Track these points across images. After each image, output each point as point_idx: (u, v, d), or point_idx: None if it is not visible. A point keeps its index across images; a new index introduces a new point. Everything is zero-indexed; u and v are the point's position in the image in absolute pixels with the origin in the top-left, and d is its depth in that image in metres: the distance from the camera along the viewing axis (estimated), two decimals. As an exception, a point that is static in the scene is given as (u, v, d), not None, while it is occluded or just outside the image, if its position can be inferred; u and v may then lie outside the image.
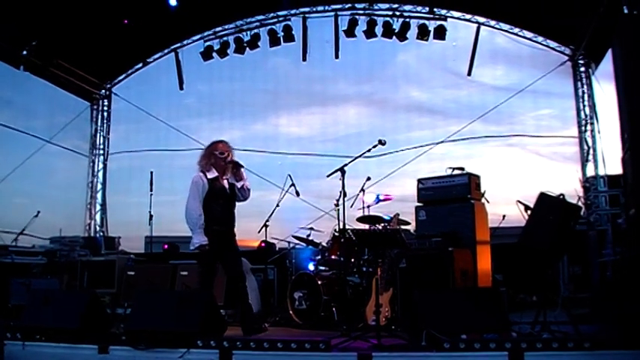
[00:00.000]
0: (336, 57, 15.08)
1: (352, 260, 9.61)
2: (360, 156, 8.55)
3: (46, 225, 12.61)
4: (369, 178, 9.99)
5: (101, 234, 16.41)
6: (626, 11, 10.38)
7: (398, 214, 9.40)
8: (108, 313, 8.53)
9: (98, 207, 16.92)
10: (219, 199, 7.84)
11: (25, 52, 13.56)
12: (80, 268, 11.93)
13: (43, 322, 7.28)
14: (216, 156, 7.89)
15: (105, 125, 17.25)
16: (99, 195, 17.01)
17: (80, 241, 13.31)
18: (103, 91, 17.09)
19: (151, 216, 11.90)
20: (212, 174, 7.88)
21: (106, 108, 17.25)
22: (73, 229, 14.65)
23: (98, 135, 17.16)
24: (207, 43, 15.46)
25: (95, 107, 17.11)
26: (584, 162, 14.34)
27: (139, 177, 14.86)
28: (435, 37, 14.27)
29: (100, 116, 17.18)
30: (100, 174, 17.11)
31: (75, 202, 16.51)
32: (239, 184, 7.94)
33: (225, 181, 7.91)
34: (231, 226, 7.98)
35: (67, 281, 11.89)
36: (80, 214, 16.57)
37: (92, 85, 16.51)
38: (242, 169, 7.89)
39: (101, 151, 17.16)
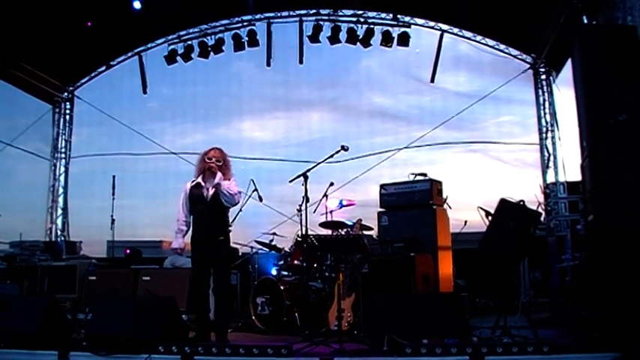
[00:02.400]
0: (300, 62, 15.08)
1: (315, 265, 9.65)
2: (322, 161, 8.60)
3: (6, 229, 12.46)
4: (332, 184, 10.03)
5: (62, 238, 16.20)
6: (585, 21, 10.58)
7: (360, 220, 9.46)
8: (68, 318, 8.46)
9: (60, 211, 16.71)
10: (198, 206, 7.79)
11: (-15, 54, 13.39)
12: (41, 272, 11.78)
13: (2, 328, 7.19)
14: (205, 161, 7.86)
15: (67, 128, 17.04)
16: (60, 199, 16.80)
17: (41, 246, 13.12)
18: (66, 93, 16.87)
19: (113, 220, 11.81)
20: (196, 180, 7.87)
21: (68, 111, 17.04)
22: (33, 233, 14.52)
23: (60, 138, 16.95)
24: (172, 47, 15.36)
25: (57, 110, 16.90)
26: (544, 168, 14.51)
27: (101, 181, 14.63)
28: (398, 44, 14.35)
29: (62, 119, 16.96)
30: (62, 177, 16.89)
31: (36, 206, 16.30)
32: (222, 187, 7.79)
33: (210, 188, 7.80)
34: (213, 233, 7.72)
35: (28, 286, 11.72)
36: (41, 218, 16.36)
37: (54, 87, 16.33)
38: (217, 174, 7.73)
39: (63, 155, 16.94)
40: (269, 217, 13.16)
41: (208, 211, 7.71)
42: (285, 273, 9.91)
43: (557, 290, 10.31)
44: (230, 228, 8.09)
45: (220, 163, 7.81)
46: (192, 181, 7.89)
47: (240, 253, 11.75)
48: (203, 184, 7.76)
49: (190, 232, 7.87)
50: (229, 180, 7.82)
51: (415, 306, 7.10)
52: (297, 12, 15.02)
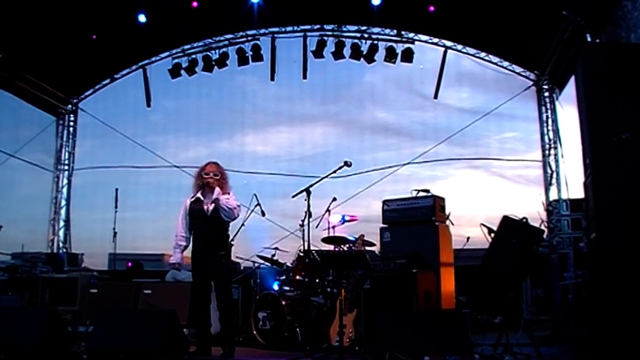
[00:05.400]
0: (304, 77, 15.11)
1: (316, 281, 9.61)
2: (325, 177, 8.60)
3: (8, 240, 12.45)
4: (334, 199, 10.01)
5: (64, 250, 16.20)
6: (589, 39, 10.61)
7: (363, 235, 9.45)
8: (69, 330, 8.44)
9: (62, 223, 16.72)
10: (198, 220, 7.82)
11: (-10, 65, 13.42)
12: (42, 284, 11.76)
13: (2, 340, 7.17)
14: (202, 177, 7.90)
15: (70, 140, 17.09)
16: (63, 211, 16.81)
17: (42, 258, 13.12)
18: (70, 106, 16.93)
19: (115, 233, 11.81)
20: (195, 195, 7.89)
21: (72, 123, 17.09)
22: (35, 244, 14.54)
23: (63, 150, 16.98)
24: (176, 61, 15.40)
25: (61, 122, 16.95)
26: (547, 185, 14.49)
27: (103, 193, 14.72)
28: (402, 60, 14.37)
29: (65, 131, 17.01)
30: (65, 189, 16.91)
31: (38, 218, 16.31)
32: (221, 202, 7.83)
33: (210, 202, 7.83)
34: (213, 248, 7.79)
35: (29, 298, 11.70)
36: (43, 230, 16.36)
37: (58, 99, 16.38)
38: (216, 189, 7.78)
39: (66, 167, 16.98)
40: (271, 231, 13.13)
41: (208, 226, 7.75)
42: (287, 288, 9.87)
43: (560, 308, 10.30)
44: (232, 242, 8.12)
45: (218, 177, 7.88)
46: (191, 197, 7.93)
47: (241, 268, 11.74)
48: (202, 199, 7.80)
49: (190, 246, 7.91)
50: (228, 194, 7.89)
51: (417, 322, 7.06)
52: (302, 27, 15.07)
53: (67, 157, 17.05)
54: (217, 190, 7.73)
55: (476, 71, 15.07)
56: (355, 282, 8.68)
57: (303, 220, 8.68)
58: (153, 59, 16.05)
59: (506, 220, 7.78)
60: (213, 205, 7.73)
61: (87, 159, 16.92)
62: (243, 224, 9.75)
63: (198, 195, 7.87)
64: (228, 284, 8.05)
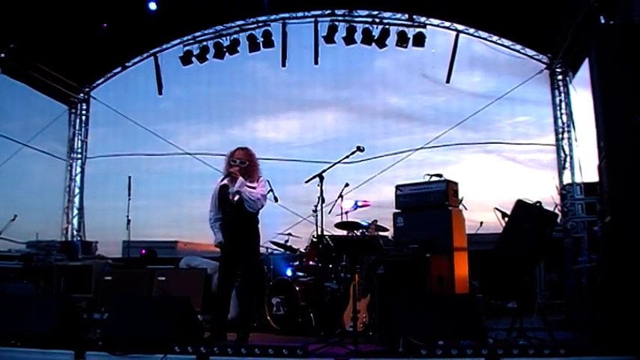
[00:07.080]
0: (316, 63, 15.07)
1: (330, 266, 9.62)
2: (338, 162, 8.59)
3: (23, 229, 12.50)
4: (347, 184, 10.00)
5: (78, 238, 16.23)
6: (602, 21, 10.50)
7: (376, 221, 9.44)
8: (84, 318, 8.47)
9: (75, 211, 16.78)
10: (226, 208, 7.78)
11: (2, 55, 13.42)
12: (56, 272, 11.83)
13: (18, 328, 7.21)
14: (229, 164, 7.84)
15: (83, 129, 17.12)
16: (76, 199, 16.86)
17: (57, 246, 13.18)
18: (82, 94, 16.94)
19: (128, 221, 11.81)
20: (224, 180, 7.86)
21: (84, 112, 17.11)
22: (49, 233, 14.58)
23: (76, 138, 17.03)
24: (187, 48, 15.39)
25: (73, 111, 16.97)
26: (561, 169, 14.42)
27: (116, 181, 14.67)
28: (414, 44, 14.30)
29: (78, 120, 17.04)
30: (78, 178, 16.96)
31: (52, 206, 16.37)
32: (243, 193, 7.71)
33: (234, 193, 7.72)
34: (240, 233, 7.72)
35: (43, 286, 11.78)
36: (57, 219, 16.44)
37: (71, 88, 16.39)
38: (239, 180, 7.68)
39: (79, 155, 17.02)
40: (284, 217, 13.15)
41: (235, 214, 7.69)
42: (301, 274, 9.89)
43: (574, 292, 10.25)
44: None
45: (245, 165, 7.79)
46: (221, 180, 7.88)
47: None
48: (230, 185, 7.74)
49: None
50: (256, 181, 7.81)
51: (430, 307, 7.07)
52: (313, 12, 15.02)
53: (79, 145, 17.10)
54: (240, 180, 7.58)
55: (488, 55, 14.99)
56: (368, 267, 8.68)
57: (316, 206, 8.65)
58: (164, 47, 16.03)
59: (519, 204, 7.74)
60: (237, 196, 7.65)
61: (99, 147, 16.94)
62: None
63: (226, 181, 7.81)
64: (254, 272, 8.04)
